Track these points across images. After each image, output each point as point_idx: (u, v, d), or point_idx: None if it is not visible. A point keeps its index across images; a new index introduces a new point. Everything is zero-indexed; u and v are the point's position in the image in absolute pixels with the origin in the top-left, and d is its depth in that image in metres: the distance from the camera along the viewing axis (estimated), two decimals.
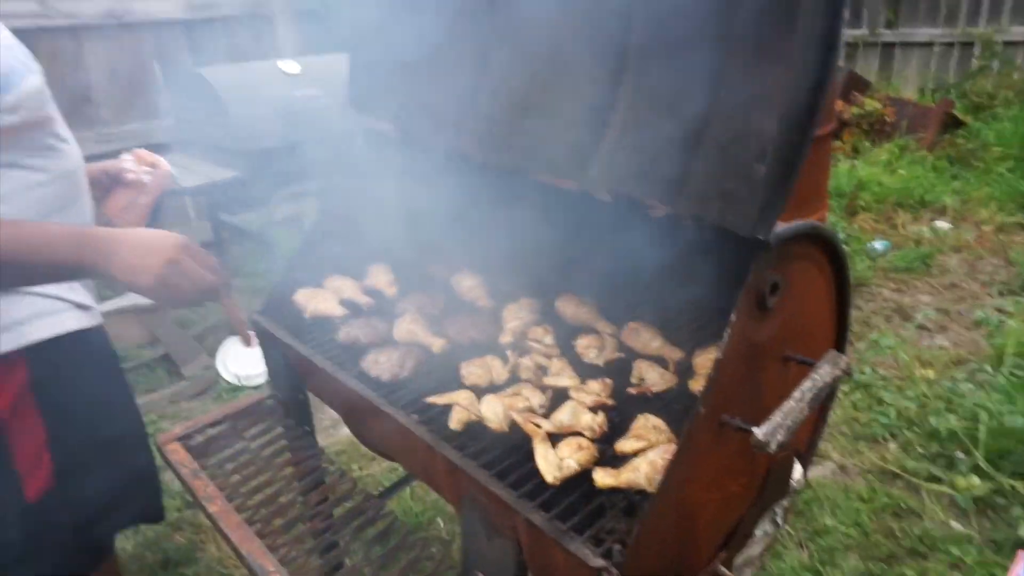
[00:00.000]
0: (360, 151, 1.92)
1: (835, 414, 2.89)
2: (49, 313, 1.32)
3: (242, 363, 3.40)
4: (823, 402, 1.12)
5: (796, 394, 1.05)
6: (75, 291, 1.38)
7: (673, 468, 1.05)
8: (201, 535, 2.48)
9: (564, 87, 1.45)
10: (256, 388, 3.30)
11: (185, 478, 1.56)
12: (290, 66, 3.27)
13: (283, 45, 4.41)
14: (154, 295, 1.15)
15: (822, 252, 1.27)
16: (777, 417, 1.01)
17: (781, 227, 1.10)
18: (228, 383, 3.35)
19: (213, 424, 1.72)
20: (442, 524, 2.46)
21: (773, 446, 0.98)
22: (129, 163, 1.63)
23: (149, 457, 1.62)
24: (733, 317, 1.06)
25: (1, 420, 1.25)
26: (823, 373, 1.08)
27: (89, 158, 4.23)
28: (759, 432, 0.99)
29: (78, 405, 1.37)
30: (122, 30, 3.86)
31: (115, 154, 4.31)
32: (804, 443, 1.48)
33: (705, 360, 1.39)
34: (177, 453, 1.64)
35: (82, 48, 3.74)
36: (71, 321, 1.36)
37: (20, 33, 3.91)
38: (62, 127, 1.38)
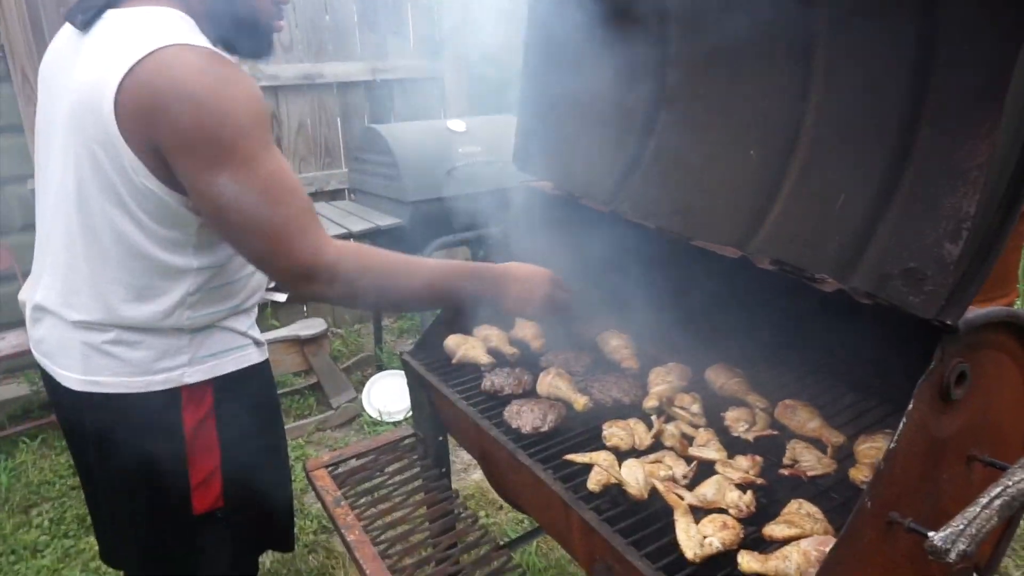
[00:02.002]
0: (517, 207, 1.98)
1: (1021, 526, 2.54)
2: (238, 348, 1.44)
3: (385, 399, 3.54)
4: (1014, 512, 0.99)
5: (983, 499, 0.93)
6: (254, 328, 1.50)
7: (830, 563, 0.96)
8: (332, 560, 2.57)
9: (731, 154, 1.43)
10: (396, 424, 3.43)
11: (328, 505, 1.63)
12: (457, 124, 3.47)
13: (452, 105, 4.69)
14: (534, 319, 1.48)
15: (1018, 343, 1.15)
16: (959, 523, 0.90)
17: (972, 312, 1.00)
18: (370, 417, 3.50)
19: (358, 456, 1.80)
20: None
21: (953, 555, 0.87)
22: None
23: (290, 490, 1.71)
24: (911, 406, 0.97)
25: (187, 438, 1.37)
26: (1018, 479, 0.96)
27: None
28: (937, 537, 0.89)
29: (248, 434, 1.47)
30: (313, 89, 4.28)
31: None
32: (985, 556, 1.32)
33: (870, 448, 1.28)
34: (323, 480, 1.72)
35: (279, 105, 4.18)
36: (254, 355, 1.48)
37: None
38: None
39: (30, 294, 1.40)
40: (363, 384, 3.67)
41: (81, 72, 1.18)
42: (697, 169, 1.53)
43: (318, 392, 3.67)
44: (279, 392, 3.64)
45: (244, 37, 1.32)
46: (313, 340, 3.53)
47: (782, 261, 1.27)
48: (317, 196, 4.26)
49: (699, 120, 1.55)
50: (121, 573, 1.69)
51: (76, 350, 1.31)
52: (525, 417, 1.50)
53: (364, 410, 3.54)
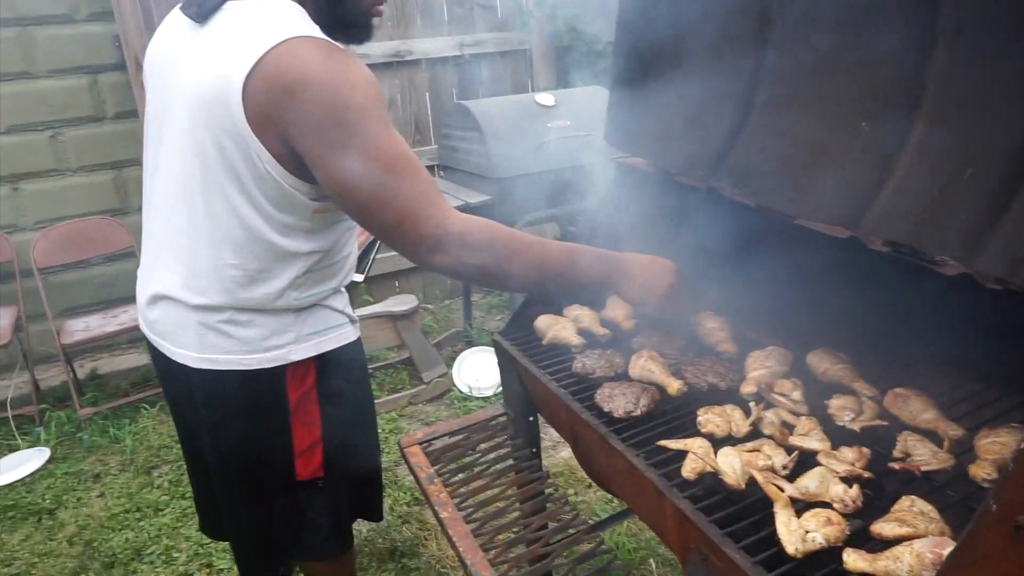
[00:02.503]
0: (609, 183, 1.94)
1: None
2: (338, 326, 1.51)
3: (475, 374, 3.60)
4: None
5: None
6: (349, 307, 1.56)
7: (949, 568, 0.90)
8: (425, 532, 2.65)
9: (840, 126, 1.34)
10: (485, 400, 3.48)
11: (422, 481, 1.67)
12: (545, 99, 3.43)
13: (540, 77, 4.64)
14: (656, 312, 1.45)
15: None
16: None
17: None
18: (461, 392, 3.56)
19: (451, 433, 1.83)
20: (654, 566, 2.37)
21: None
22: None
23: (380, 462, 1.78)
24: None
25: (291, 411, 1.46)
26: None
27: None
28: None
29: (345, 407, 1.54)
30: (403, 66, 4.33)
31: None
32: None
33: (993, 443, 1.18)
34: (417, 456, 1.76)
35: None
36: (351, 333, 1.55)
37: None
38: None
39: (144, 282, 1.49)
40: (454, 359, 3.73)
41: (204, 64, 1.24)
42: (802, 143, 1.45)
43: (410, 367, 3.76)
44: (373, 366, 3.77)
45: (347, 24, 1.36)
46: (405, 316, 3.61)
47: (897, 242, 1.19)
48: None
49: (803, 90, 1.46)
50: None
51: (192, 330, 1.39)
52: (617, 400, 1.48)
53: (455, 385, 3.61)
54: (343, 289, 1.56)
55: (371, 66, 4.52)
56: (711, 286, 1.67)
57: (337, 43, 1.26)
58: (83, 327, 3.52)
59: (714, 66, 1.64)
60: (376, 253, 1.81)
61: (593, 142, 3.26)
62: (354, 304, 1.64)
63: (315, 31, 1.24)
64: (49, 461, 3.27)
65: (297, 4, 1.29)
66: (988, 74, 1.10)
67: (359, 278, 1.81)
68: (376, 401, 3.51)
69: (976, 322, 1.19)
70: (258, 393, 1.43)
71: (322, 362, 1.48)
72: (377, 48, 4.18)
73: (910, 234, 1.14)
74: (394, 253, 5.00)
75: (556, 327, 1.75)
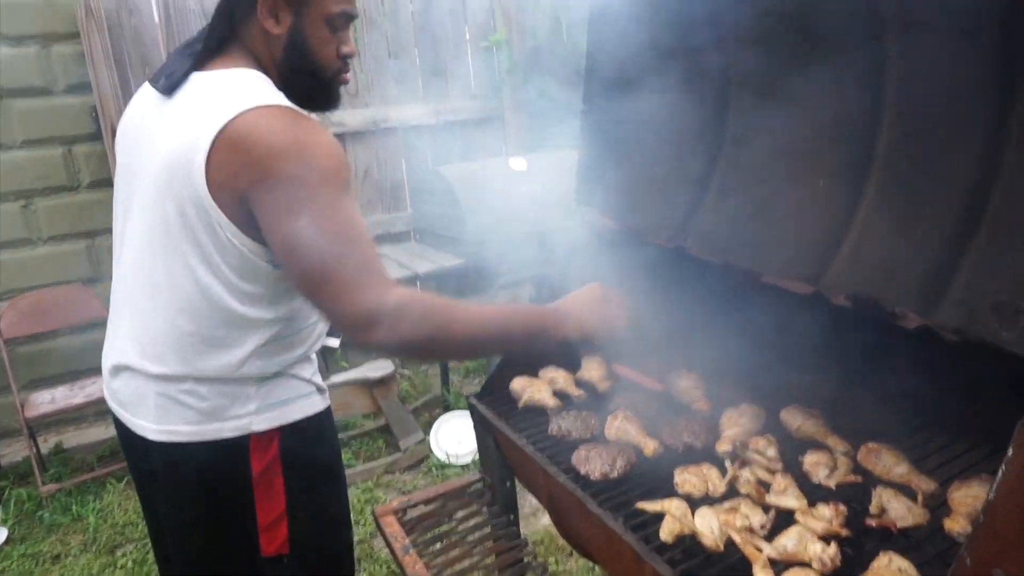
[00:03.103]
0: (580, 244, 1.97)
1: None
2: (304, 396, 1.46)
3: (452, 441, 3.54)
4: None
5: None
6: (317, 375, 1.51)
7: None
8: None
9: (799, 186, 1.39)
10: (463, 468, 3.41)
11: (397, 552, 1.62)
12: (518, 163, 3.50)
13: (513, 142, 4.75)
14: (606, 335, 1.44)
15: None
16: None
17: None
18: (438, 459, 3.50)
19: (426, 501, 1.79)
20: None
21: None
22: None
23: (351, 535, 1.69)
24: (1011, 452, 0.90)
25: (252, 482, 1.40)
26: None
27: None
28: None
29: (312, 478, 1.48)
30: (379, 134, 4.41)
31: None
32: None
33: (966, 496, 1.19)
34: (392, 526, 1.72)
35: (347, 151, 4.32)
36: (319, 403, 1.50)
37: None
38: None
39: (108, 351, 1.47)
40: (431, 425, 3.68)
41: (170, 134, 1.25)
42: (764, 202, 1.49)
43: (387, 434, 3.70)
44: (349, 434, 3.70)
45: (313, 92, 1.37)
46: (382, 382, 3.57)
47: (859, 296, 1.22)
48: (383, 239, 4.35)
49: (764, 151, 1.51)
50: None
51: (151, 401, 1.36)
52: (594, 463, 1.46)
53: (432, 452, 3.55)
54: (312, 356, 1.51)
55: (347, 134, 4.57)
56: (682, 344, 1.68)
57: (304, 111, 1.28)
58: (49, 399, 3.43)
59: (678, 130, 1.70)
60: None
61: (564, 205, 3.32)
62: (329, 370, 1.62)
63: (280, 99, 1.25)
64: (6, 542, 3.13)
65: (262, 73, 1.30)
66: (936, 129, 1.15)
67: (334, 343, 1.76)
68: (352, 471, 3.43)
69: (940, 374, 1.21)
70: (219, 464, 1.38)
71: (287, 432, 1.43)
72: (356, 117, 4.26)
73: (870, 287, 1.17)
74: None
75: (531, 389, 1.75)
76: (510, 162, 3.52)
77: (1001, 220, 1.04)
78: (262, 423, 1.39)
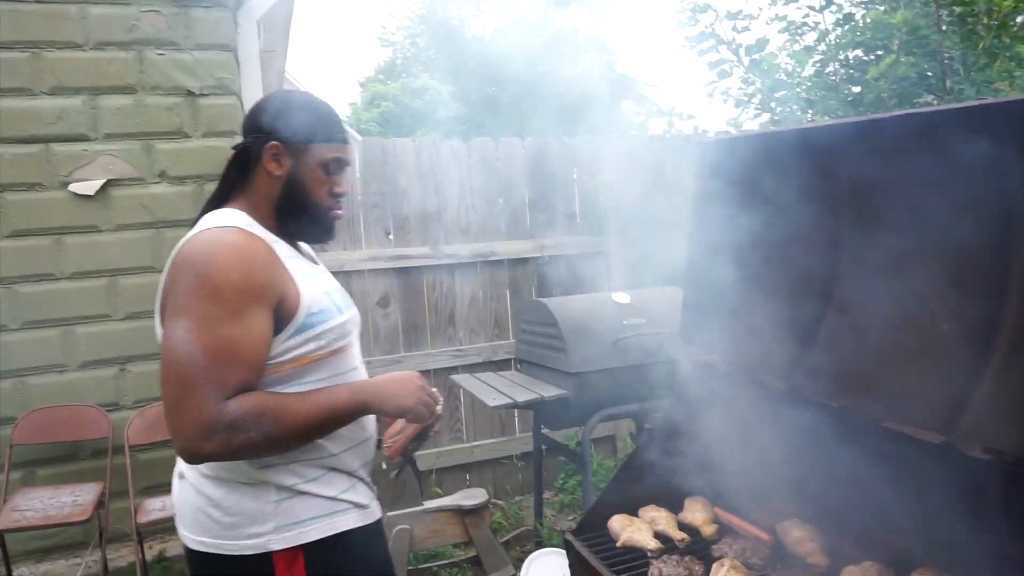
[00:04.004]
0: (685, 380, 1.94)
1: None
2: (331, 514, 1.44)
3: None
4: None
5: None
6: (355, 491, 1.49)
7: None
8: None
9: (922, 321, 1.33)
10: None
11: None
12: (621, 297, 3.53)
13: (616, 278, 4.82)
14: (412, 414, 1.45)
15: None
16: None
17: None
18: None
19: None
20: None
21: None
22: None
23: None
24: None
25: None
26: None
27: (445, 369, 4.82)
28: None
29: None
30: (486, 266, 4.60)
31: (467, 368, 4.88)
32: None
33: None
34: None
35: (455, 280, 4.52)
36: (346, 521, 1.46)
37: (415, 269, 4.82)
38: (355, 359, 1.57)
39: None
40: (522, 560, 3.54)
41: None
42: (882, 342, 1.43)
43: (476, 566, 3.58)
44: (438, 563, 3.61)
45: (306, 225, 1.50)
46: (475, 512, 3.51)
47: (997, 450, 1.12)
48: (485, 366, 4.43)
49: (880, 291, 1.47)
50: None
51: (189, 509, 1.43)
52: None
53: None
54: (348, 471, 1.49)
55: (458, 266, 4.79)
56: (795, 491, 1.58)
57: (267, 236, 1.41)
58: (160, 506, 3.58)
59: (788, 267, 1.69)
60: (420, 446, 1.66)
61: (668, 340, 3.29)
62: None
63: (239, 222, 1.38)
64: None
65: (246, 210, 1.44)
66: None
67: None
68: None
69: None
70: None
71: (314, 551, 1.41)
72: (465, 249, 4.49)
73: (1007, 441, 1.08)
74: (472, 443, 4.91)
75: (631, 528, 1.68)
76: (613, 296, 3.56)
77: None
78: (280, 543, 1.38)
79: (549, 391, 3.27)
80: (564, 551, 1.78)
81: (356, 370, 1.55)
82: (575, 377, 3.23)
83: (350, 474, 1.49)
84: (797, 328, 1.64)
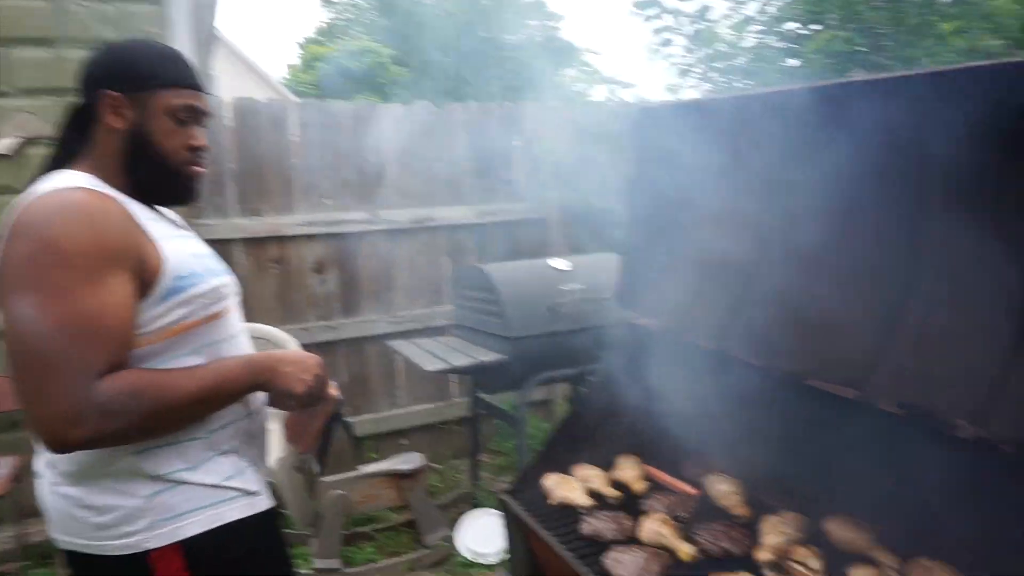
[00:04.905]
0: (620, 343, 1.98)
1: None
2: (209, 505, 1.28)
3: (479, 539, 3.43)
4: None
5: None
6: (243, 476, 1.33)
7: None
8: None
9: (842, 289, 1.39)
10: (490, 568, 3.29)
11: None
12: (560, 263, 3.56)
13: (555, 244, 4.85)
14: (297, 402, 1.30)
15: None
16: None
17: None
18: (464, 558, 3.38)
19: None
20: None
21: None
22: None
23: None
24: None
25: None
26: None
27: (383, 336, 4.76)
28: None
29: None
30: (424, 232, 4.56)
31: (404, 334, 4.82)
32: None
33: None
34: None
35: (393, 246, 4.47)
36: (232, 512, 1.30)
37: (353, 235, 4.70)
38: (233, 325, 1.37)
39: None
40: (458, 522, 3.58)
41: None
42: (808, 306, 1.49)
43: (412, 529, 3.61)
44: (374, 528, 3.62)
45: (160, 184, 1.30)
46: (411, 475, 3.52)
47: (909, 404, 1.19)
48: (422, 332, 4.41)
49: (810, 258, 1.52)
50: None
51: (53, 510, 1.27)
52: (627, 566, 1.41)
53: (457, 550, 3.44)
54: (231, 451, 1.33)
55: (396, 232, 4.71)
56: (721, 447, 1.64)
57: (135, 200, 1.24)
58: None
59: (722, 234, 1.73)
60: (334, 436, 1.52)
61: (605, 304, 3.35)
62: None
63: (83, 182, 1.20)
64: None
65: (89, 172, 1.24)
66: (989, 243, 1.16)
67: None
68: (374, 566, 3.33)
69: (996, 487, 1.15)
70: None
71: (194, 547, 1.25)
72: (404, 215, 4.43)
73: (918, 395, 1.14)
74: (409, 408, 4.86)
75: (564, 487, 1.71)
76: (551, 262, 3.59)
77: None
78: (155, 540, 1.23)
79: (486, 355, 3.29)
80: (499, 512, 1.80)
81: (236, 338, 1.37)
82: (512, 341, 3.25)
83: (235, 457, 1.32)
84: (727, 293, 1.68)
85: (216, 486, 1.29)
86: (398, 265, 4.49)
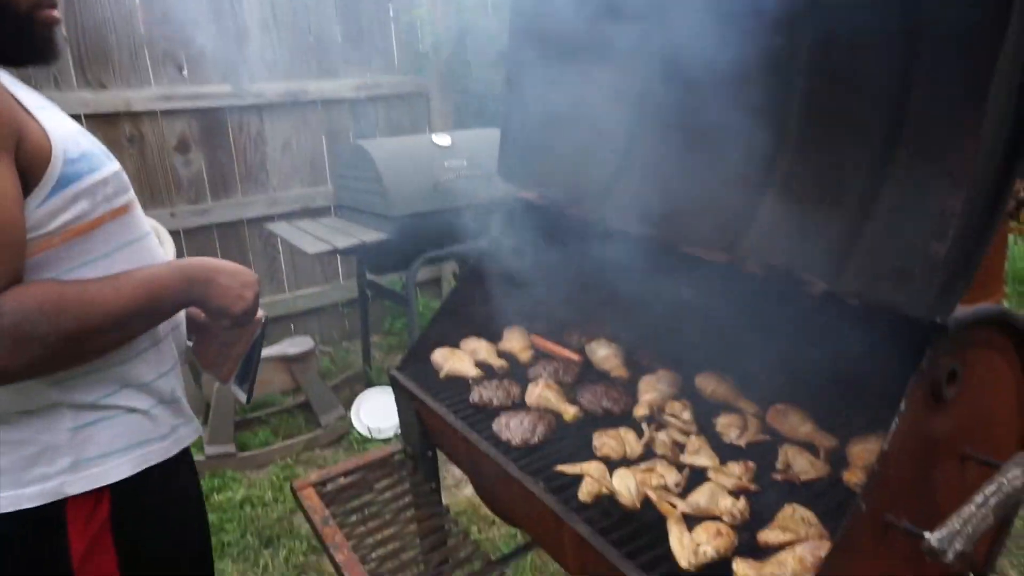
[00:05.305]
0: (504, 218, 1.97)
1: (1015, 526, 2.53)
2: (138, 443, 1.13)
3: (374, 416, 3.51)
4: (1009, 510, 0.98)
5: (978, 498, 0.92)
6: (169, 408, 1.20)
7: (826, 568, 0.95)
8: None
9: (714, 160, 1.43)
10: (386, 441, 3.39)
11: (316, 524, 1.60)
12: (442, 139, 3.47)
13: (437, 120, 4.69)
14: (234, 320, 1.20)
15: (1009, 340, 1.14)
16: (955, 522, 0.89)
17: (961, 311, 1.00)
18: (360, 434, 3.46)
19: (346, 473, 1.77)
20: None
21: (950, 555, 0.86)
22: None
23: None
24: (903, 406, 0.96)
25: (73, 566, 1.07)
26: (1012, 476, 0.95)
27: (260, 219, 4.57)
28: (933, 538, 0.88)
29: (161, 544, 1.19)
30: (297, 108, 4.27)
31: (283, 217, 4.65)
32: (981, 556, 1.30)
33: (863, 451, 1.27)
34: (310, 499, 1.69)
35: (264, 123, 4.17)
36: (159, 451, 1.16)
37: (218, 111, 4.37)
38: (143, 222, 1.20)
39: None
40: (352, 402, 3.63)
41: None
42: (681, 176, 1.53)
43: (306, 411, 3.63)
44: (267, 412, 3.61)
45: (12, 38, 1.06)
46: (301, 358, 3.49)
47: (770, 265, 1.27)
48: (302, 213, 4.24)
49: (682, 130, 1.55)
50: None
51: None
52: (514, 429, 1.48)
53: (354, 428, 3.50)
54: (163, 378, 1.18)
55: (266, 107, 4.41)
56: (602, 314, 1.71)
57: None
58: None
59: (599, 106, 1.72)
60: (259, 360, 1.37)
61: (490, 181, 3.32)
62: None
63: None
64: None
65: None
66: (843, 109, 1.21)
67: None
68: (270, 448, 3.35)
69: (843, 338, 1.27)
70: (22, 546, 1.04)
71: (122, 490, 1.10)
72: (273, 88, 4.11)
73: (781, 257, 1.22)
74: (295, 292, 4.75)
75: (453, 360, 1.75)
76: (434, 138, 3.48)
77: (900, 194, 1.10)
78: (80, 483, 1.05)
79: (370, 236, 3.22)
80: (392, 388, 1.83)
81: (147, 237, 1.18)
82: (396, 221, 3.19)
83: (155, 386, 1.16)
84: (607, 164, 1.69)
85: (145, 413, 1.14)
86: (271, 144, 4.22)
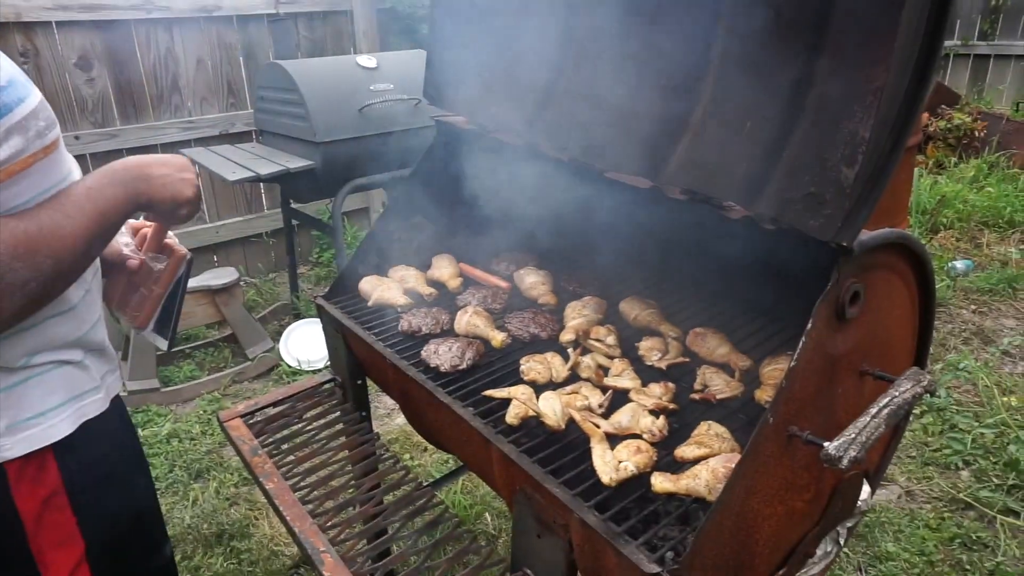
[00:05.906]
0: (431, 143, 1.93)
1: (904, 437, 2.75)
2: (75, 397, 1.09)
3: (304, 348, 3.48)
4: (899, 421, 1.06)
5: (872, 409, 0.99)
6: (89, 372, 1.13)
7: (736, 477, 1.01)
8: (256, 511, 2.54)
9: (640, 88, 1.42)
10: (316, 373, 3.37)
11: (244, 454, 1.59)
12: (367, 60, 3.33)
13: (362, 40, 4.49)
14: (190, 207, 1.12)
15: (907, 263, 1.21)
16: (851, 432, 0.96)
17: (865, 235, 1.05)
18: (289, 366, 3.43)
19: (274, 404, 1.75)
20: (490, 519, 2.45)
21: (845, 462, 0.93)
22: (130, 247, 1.26)
23: (170, 549, 1.41)
24: (809, 326, 1.01)
25: (27, 529, 1.04)
26: (903, 390, 1.02)
27: (175, 144, 4.36)
28: (830, 446, 0.95)
29: (116, 497, 1.17)
30: (211, 23, 4.00)
31: (201, 142, 4.43)
32: (874, 463, 1.41)
33: (774, 370, 1.34)
34: (238, 430, 1.67)
35: (174, 39, 3.90)
36: (95, 405, 1.13)
37: (122, 24, 4.07)
38: (69, 157, 1.09)
39: None
40: (280, 334, 3.58)
41: None
42: (608, 103, 1.52)
43: (233, 344, 3.56)
44: (192, 345, 3.52)
45: None
46: (225, 290, 3.40)
47: (692, 190, 1.29)
48: (221, 139, 4.04)
49: (609, 56, 1.53)
50: None
51: None
52: (443, 355, 1.49)
53: (282, 360, 3.47)
54: (94, 332, 1.13)
55: (176, 21, 4.12)
56: (529, 240, 1.72)
57: None
58: None
59: (527, 30, 1.67)
60: (182, 302, 1.30)
61: (416, 104, 3.23)
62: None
63: None
64: None
65: None
66: (762, 40, 1.21)
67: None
68: (197, 382, 3.29)
69: (760, 262, 1.32)
70: None
71: (67, 447, 1.06)
72: (182, 1, 3.83)
73: (702, 183, 1.24)
74: (217, 223, 4.58)
75: (381, 288, 1.73)
76: (359, 59, 3.34)
77: (814, 121, 1.13)
78: (19, 446, 1.01)
79: (294, 163, 3.11)
80: (320, 319, 1.80)
81: (73, 173, 1.07)
82: (321, 147, 3.08)
83: (88, 334, 1.10)
84: (535, 90, 1.66)
85: (78, 364, 1.09)
86: (184, 62, 3.96)
